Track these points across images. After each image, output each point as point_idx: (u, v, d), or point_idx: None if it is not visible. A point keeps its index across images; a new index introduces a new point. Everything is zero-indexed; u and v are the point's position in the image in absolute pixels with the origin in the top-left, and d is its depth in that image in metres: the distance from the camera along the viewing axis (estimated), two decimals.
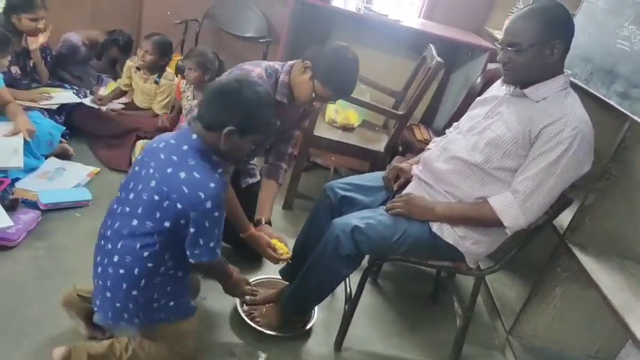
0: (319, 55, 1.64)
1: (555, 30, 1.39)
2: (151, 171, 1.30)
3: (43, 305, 1.59)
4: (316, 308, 1.85)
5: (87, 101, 2.77)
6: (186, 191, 1.24)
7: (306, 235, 1.80)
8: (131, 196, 1.33)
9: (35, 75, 2.71)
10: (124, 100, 3.00)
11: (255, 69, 1.67)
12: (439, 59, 2.24)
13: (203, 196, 1.23)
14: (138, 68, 2.85)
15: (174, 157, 1.28)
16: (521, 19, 1.42)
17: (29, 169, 2.26)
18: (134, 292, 1.33)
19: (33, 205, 2.07)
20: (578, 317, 1.85)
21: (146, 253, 1.30)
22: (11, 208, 1.98)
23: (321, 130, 2.44)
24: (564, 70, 1.48)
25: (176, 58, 2.99)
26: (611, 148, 1.61)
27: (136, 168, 1.36)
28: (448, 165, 1.55)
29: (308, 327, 1.79)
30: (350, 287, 1.80)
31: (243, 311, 1.77)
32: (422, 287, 2.22)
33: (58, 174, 2.33)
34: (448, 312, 1.95)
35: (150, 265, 1.31)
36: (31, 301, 1.62)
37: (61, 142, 2.50)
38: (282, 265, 1.80)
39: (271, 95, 1.43)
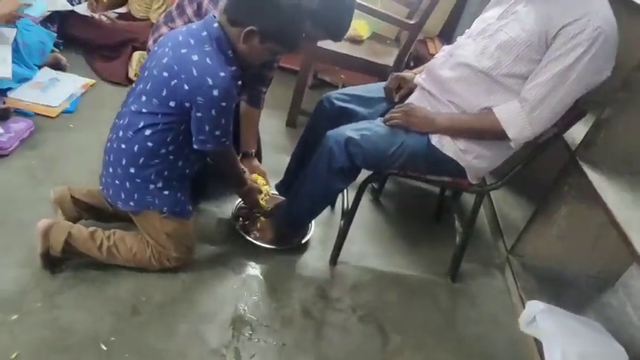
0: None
1: None
2: (167, 49, 1.29)
3: (35, 211, 1.57)
4: (313, 223, 1.82)
5: (79, 9, 2.62)
6: (195, 74, 1.23)
7: (301, 148, 1.73)
8: (146, 73, 1.34)
9: None
10: (122, 10, 2.84)
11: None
12: None
13: (211, 82, 1.22)
14: None
15: (191, 40, 1.27)
16: None
17: (22, 79, 2.18)
18: (132, 170, 1.36)
19: (26, 114, 2.02)
20: (582, 237, 1.79)
21: (148, 132, 1.31)
22: (3, 117, 1.94)
23: (326, 42, 2.28)
24: None
25: None
26: (636, 56, 1.45)
27: (155, 47, 1.36)
28: (454, 72, 1.42)
29: (304, 241, 1.77)
30: (347, 202, 1.76)
31: (240, 225, 1.75)
32: (425, 206, 2.17)
33: (52, 84, 2.25)
34: (450, 231, 1.91)
35: (150, 144, 1.32)
36: (23, 207, 1.61)
37: (53, 51, 2.40)
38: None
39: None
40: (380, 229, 1.99)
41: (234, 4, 1.27)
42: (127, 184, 1.38)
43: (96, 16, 2.65)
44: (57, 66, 2.39)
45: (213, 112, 1.26)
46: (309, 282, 1.66)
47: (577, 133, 1.62)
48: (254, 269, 1.65)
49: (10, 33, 2.07)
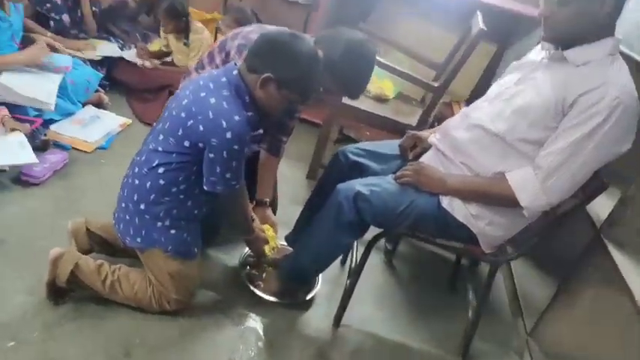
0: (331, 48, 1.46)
1: None
2: (187, 92, 1.35)
3: (53, 240, 1.61)
4: (320, 279, 1.78)
5: (128, 55, 2.82)
6: (211, 116, 1.27)
7: (313, 199, 1.72)
8: (166, 113, 1.40)
9: (83, 26, 2.79)
10: (167, 60, 3.04)
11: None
12: (482, 26, 2.04)
13: (225, 125, 1.26)
14: None
15: (211, 85, 1.33)
16: None
17: (65, 113, 2.34)
18: (142, 206, 1.39)
19: (64, 147, 2.14)
20: (609, 326, 1.64)
21: (161, 170, 1.36)
22: (42, 148, 2.06)
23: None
24: (614, 34, 1.28)
25: (217, 16, 2.97)
26: None
27: (178, 91, 1.43)
28: (468, 134, 1.40)
29: (308, 297, 1.72)
30: (356, 260, 1.71)
31: (245, 274, 1.74)
32: (441, 274, 2.08)
33: (92, 121, 2.39)
34: (466, 304, 1.80)
35: (162, 182, 1.36)
36: (43, 235, 1.67)
37: (98, 91, 2.56)
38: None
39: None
40: (390, 293, 1.91)
41: (254, 52, 1.33)
42: (137, 219, 1.41)
43: (140, 62, 2.84)
44: (100, 104, 2.54)
45: (225, 154, 1.29)
46: (309, 342, 1.59)
47: (602, 208, 1.54)
48: (254, 321, 1.61)
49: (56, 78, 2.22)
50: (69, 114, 2.34)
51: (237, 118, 1.27)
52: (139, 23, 3.27)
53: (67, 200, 1.89)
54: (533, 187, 1.27)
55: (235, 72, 1.34)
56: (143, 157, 1.40)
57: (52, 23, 2.63)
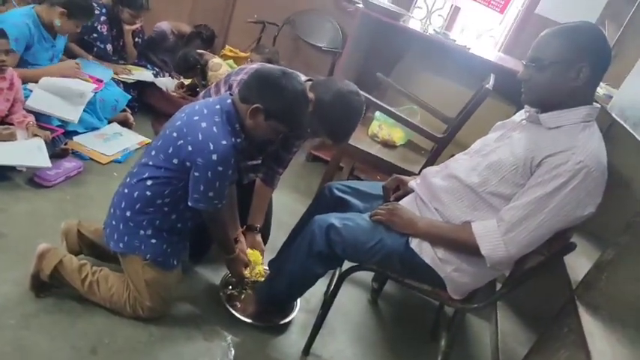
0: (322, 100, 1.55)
1: (582, 52, 1.25)
2: (183, 115, 1.47)
3: (51, 240, 1.70)
4: (298, 306, 1.81)
5: (158, 82, 3.03)
6: (200, 138, 1.37)
7: (297, 229, 1.78)
8: (161, 133, 1.51)
9: (124, 54, 3.04)
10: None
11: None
12: (488, 86, 2.12)
13: (212, 147, 1.36)
14: None
15: (205, 110, 1.43)
16: (549, 35, 1.30)
17: (91, 128, 2.52)
18: (128, 213, 1.48)
19: (81, 157, 2.31)
20: None
21: (149, 182, 1.46)
22: (61, 156, 2.22)
23: (359, 141, 2.41)
24: (593, 102, 1.32)
25: (246, 55, 3.16)
26: None
27: (177, 113, 1.53)
28: (444, 182, 1.45)
29: (282, 322, 1.75)
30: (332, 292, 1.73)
31: (224, 293, 1.79)
32: (423, 319, 2.06)
33: (114, 138, 2.57)
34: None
35: (148, 193, 1.46)
36: (44, 234, 1.77)
37: (125, 110, 2.75)
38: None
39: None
40: (367, 332, 1.91)
41: (246, 84, 1.46)
42: (121, 225, 1.50)
43: (171, 90, 3.04)
44: (125, 123, 2.73)
45: (210, 174, 1.38)
46: None
47: (581, 269, 1.52)
48: (224, 340, 1.64)
49: (89, 87, 2.43)
50: (93, 128, 2.53)
51: (224, 142, 1.37)
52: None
53: (73, 205, 2.02)
54: (494, 238, 1.30)
55: (229, 101, 1.46)
56: (135, 169, 1.51)
57: (95, 49, 2.88)
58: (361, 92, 1.63)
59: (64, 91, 2.30)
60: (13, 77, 2.10)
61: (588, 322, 1.40)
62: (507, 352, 1.92)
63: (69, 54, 2.68)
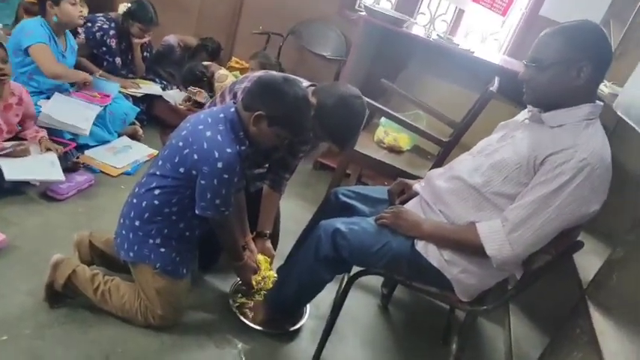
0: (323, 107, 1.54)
1: (583, 50, 1.25)
2: (188, 124, 1.49)
3: (64, 251, 1.73)
4: (307, 312, 1.82)
5: (166, 95, 3.08)
6: (205, 147, 1.40)
7: (304, 235, 1.79)
8: (167, 143, 1.53)
9: (132, 67, 3.10)
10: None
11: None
12: (493, 89, 2.12)
13: (217, 155, 1.38)
14: None
15: (209, 119, 1.46)
16: (548, 35, 1.31)
17: (101, 141, 2.57)
18: (137, 223, 1.51)
19: (93, 170, 2.35)
20: None
21: (157, 191, 1.48)
22: (72, 169, 2.27)
23: (365, 147, 2.42)
24: (596, 99, 1.32)
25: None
26: None
27: (182, 123, 1.55)
28: (447, 184, 1.45)
29: (292, 328, 1.76)
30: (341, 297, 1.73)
31: (234, 301, 1.80)
32: (434, 324, 2.05)
33: (124, 150, 2.61)
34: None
35: (156, 202, 1.49)
36: (57, 245, 1.81)
37: (134, 123, 2.80)
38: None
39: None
40: (377, 337, 1.91)
41: (249, 92, 1.48)
42: (131, 235, 1.53)
43: (173, 101, 3.09)
44: (134, 136, 2.78)
45: (216, 181, 1.40)
46: None
47: (590, 269, 1.51)
48: (235, 347, 1.65)
49: (95, 109, 2.49)
50: (104, 142, 2.58)
51: (229, 150, 1.40)
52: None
53: (85, 217, 2.05)
54: (499, 237, 1.30)
55: (233, 109, 1.48)
56: (144, 179, 1.54)
57: (104, 63, 2.95)
58: (366, 98, 1.65)
59: (73, 105, 2.35)
60: (22, 93, 2.15)
61: (599, 322, 1.39)
62: (521, 357, 1.90)
63: (79, 69, 2.74)
